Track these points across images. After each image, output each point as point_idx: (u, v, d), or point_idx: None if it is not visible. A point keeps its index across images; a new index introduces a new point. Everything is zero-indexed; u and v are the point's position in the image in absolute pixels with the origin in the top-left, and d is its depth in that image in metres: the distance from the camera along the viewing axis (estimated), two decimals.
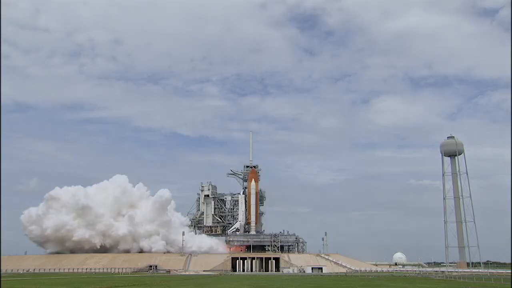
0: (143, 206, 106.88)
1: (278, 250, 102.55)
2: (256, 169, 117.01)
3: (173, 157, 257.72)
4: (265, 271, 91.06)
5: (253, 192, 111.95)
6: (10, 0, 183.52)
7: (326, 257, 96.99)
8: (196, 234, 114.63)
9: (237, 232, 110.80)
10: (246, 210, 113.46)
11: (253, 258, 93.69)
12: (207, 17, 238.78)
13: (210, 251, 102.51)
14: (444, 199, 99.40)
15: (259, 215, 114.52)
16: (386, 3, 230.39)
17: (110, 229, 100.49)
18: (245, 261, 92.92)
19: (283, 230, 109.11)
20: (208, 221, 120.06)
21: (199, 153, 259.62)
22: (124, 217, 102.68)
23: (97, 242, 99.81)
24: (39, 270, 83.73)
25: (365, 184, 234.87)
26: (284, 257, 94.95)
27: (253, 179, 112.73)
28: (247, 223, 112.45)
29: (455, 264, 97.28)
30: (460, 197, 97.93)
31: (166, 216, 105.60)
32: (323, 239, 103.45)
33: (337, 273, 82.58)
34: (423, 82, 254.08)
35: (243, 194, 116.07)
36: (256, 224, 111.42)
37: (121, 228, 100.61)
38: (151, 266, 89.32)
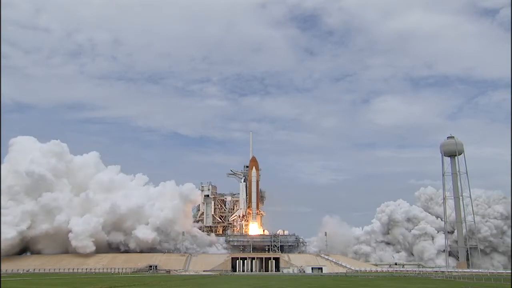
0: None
1: (278, 250, 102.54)
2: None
3: (173, 157, 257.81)
4: (265, 271, 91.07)
5: (253, 179, 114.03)
6: (10, 0, 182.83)
7: (326, 257, 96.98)
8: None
9: (239, 219, 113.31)
10: (247, 197, 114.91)
11: (253, 258, 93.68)
12: (207, 17, 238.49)
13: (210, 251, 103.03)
14: (444, 199, 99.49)
15: (259, 204, 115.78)
16: (386, 3, 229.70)
17: (135, 233, 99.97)
18: (245, 261, 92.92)
19: (283, 230, 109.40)
20: (208, 221, 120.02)
21: (199, 153, 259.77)
22: (149, 222, 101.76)
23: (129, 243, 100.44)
24: (39, 270, 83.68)
25: (365, 184, 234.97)
26: (284, 257, 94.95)
27: (253, 167, 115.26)
28: (248, 211, 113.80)
29: (455, 264, 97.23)
30: (460, 197, 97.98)
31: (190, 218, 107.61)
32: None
33: (337, 273, 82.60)
34: (424, 82, 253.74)
35: (244, 182, 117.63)
36: (257, 211, 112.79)
37: (142, 231, 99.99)
38: (151, 266, 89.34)
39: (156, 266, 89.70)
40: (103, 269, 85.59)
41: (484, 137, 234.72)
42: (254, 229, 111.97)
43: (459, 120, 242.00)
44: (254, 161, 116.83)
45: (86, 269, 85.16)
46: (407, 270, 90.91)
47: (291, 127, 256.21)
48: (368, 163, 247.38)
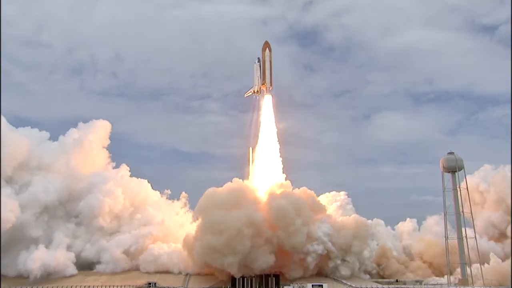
0: None
1: None
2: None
3: (173, 173, 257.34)
4: None
5: (267, 59, 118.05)
6: (11, 17, 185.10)
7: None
8: None
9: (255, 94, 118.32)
10: (261, 74, 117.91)
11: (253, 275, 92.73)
12: (208, 34, 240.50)
13: None
14: (445, 215, 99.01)
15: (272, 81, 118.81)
16: (386, 20, 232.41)
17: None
18: (245, 278, 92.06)
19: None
20: None
21: (199, 169, 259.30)
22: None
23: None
24: None
25: (366, 200, 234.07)
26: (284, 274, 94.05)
27: (267, 48, 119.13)
28: (262, 87, 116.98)
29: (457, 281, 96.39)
30: (461, 213, 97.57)
31: None
32: None
33: None
34: (424, 98, 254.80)
35: (257, 62, 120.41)
36: (270, 88, 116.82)
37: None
38: (150, 284, 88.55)
39: (155, 284, 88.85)
40: (101, 287, 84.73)
41: (483, 153, 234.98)
42: (268, 102, 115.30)
43: (459, 136, 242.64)
44: (267, 44, 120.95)
45: (85, 286, 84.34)
46: (408, 287, 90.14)
47: (291, 143, 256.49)
48: (369, 178, 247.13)
